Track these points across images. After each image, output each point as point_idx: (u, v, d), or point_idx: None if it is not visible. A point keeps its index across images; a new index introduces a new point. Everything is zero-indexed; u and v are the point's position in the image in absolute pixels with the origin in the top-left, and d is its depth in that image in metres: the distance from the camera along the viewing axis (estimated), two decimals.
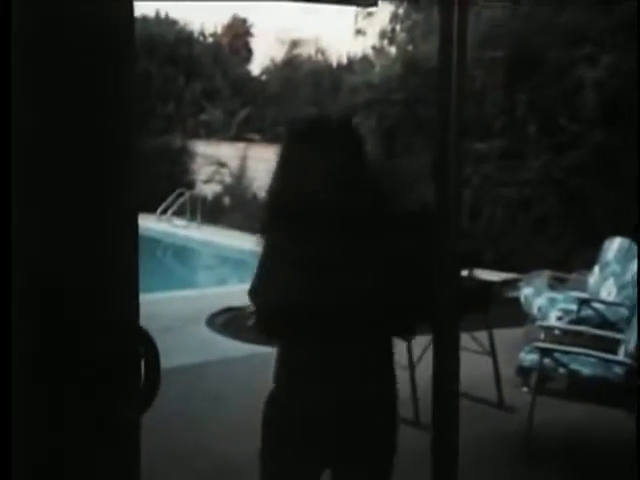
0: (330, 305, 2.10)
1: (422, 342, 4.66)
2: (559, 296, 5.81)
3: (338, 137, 2.19)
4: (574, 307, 5.44)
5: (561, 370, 4.65)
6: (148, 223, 12.52)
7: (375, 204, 2.19)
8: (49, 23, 1.36)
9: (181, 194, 15.28)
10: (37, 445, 1.41)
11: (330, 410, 2.15)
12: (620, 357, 4.49)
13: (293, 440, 2.20)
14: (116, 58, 1.45)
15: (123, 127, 1.49)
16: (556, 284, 6.04)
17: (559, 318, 5.48)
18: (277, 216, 2.20)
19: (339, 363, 2.16)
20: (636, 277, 5.11)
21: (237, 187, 15.60)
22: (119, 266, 1.52)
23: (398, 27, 12.10)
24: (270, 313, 2.19)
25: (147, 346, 1.61)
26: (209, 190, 16.26)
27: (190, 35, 19.43)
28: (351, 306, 2.12)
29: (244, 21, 24.62)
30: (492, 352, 5.18)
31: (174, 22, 19.33)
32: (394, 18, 12.20)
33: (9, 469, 1.32)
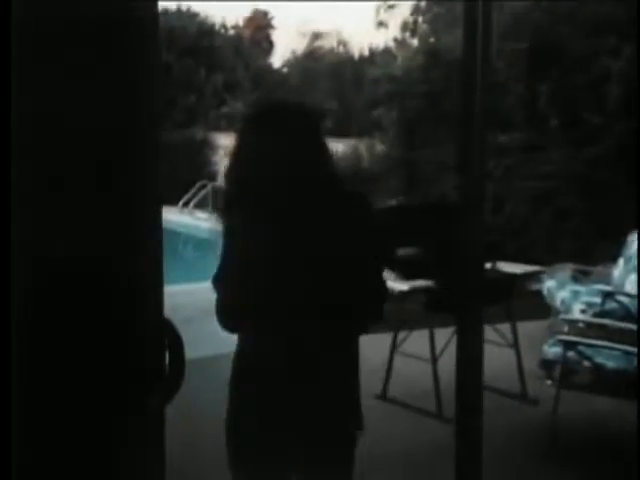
0: (290, 296, 2.05)
1: (445, 335, 4.66)
2: (582, 289, 5.76)
3: (291, 122, 2.14)
4: (598, 300, 5.40)
5: (585, 363, 4.61)
6: (170, 215, 12.55)
7: (330, 190, 2.12)
8: (74, 17, 1.37)
9: (203, 186, 15.31)
10: (61, 437, 1.42)
11: (293, 405, 2.10)
12: None
13: (258, 441, 2.15)
14: (141, 51, 1.45)
15: (147, 120, 1.49)
16: (579, 277, 5.99)
17: (583, 311, 5.43)
18: (234, 202, 2.16)
19: (301, 357, 2.09)
20: None
21: None
22: (144, 258, 1.52)
23: (420, 19, 12.05)
24: (230, 304, 2.13)
25: (172, 337, 1.61)
26: None
27: (211, 27, 19.46)
28: (311, 297, 2.05)
29: (265, 13, 24.62)
30: (515, 344, 5.15)
31: (195, 15, 19.37)
32: (416, 10, 12.15)
33: (9, 469, 1.33)
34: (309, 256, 2.05)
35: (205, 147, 17.28)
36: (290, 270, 2.05)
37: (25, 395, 1.39)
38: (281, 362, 2.10)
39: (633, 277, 5.60)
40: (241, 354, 2.19)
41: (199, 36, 18.54)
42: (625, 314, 5.18)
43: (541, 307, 6.05)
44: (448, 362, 3.99)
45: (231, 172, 2.16)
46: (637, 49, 7.58)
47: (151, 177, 1.52)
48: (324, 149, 2.16)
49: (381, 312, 2.22)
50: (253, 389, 2.15)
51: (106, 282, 1.44)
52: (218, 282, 2.13)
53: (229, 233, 2.13)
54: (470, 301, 2.89)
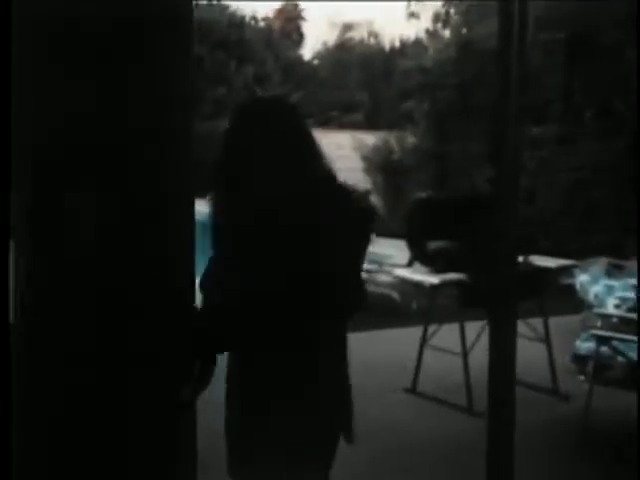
0: (273, 298, 1.95)
1: (475, 328, 4.63)
2: (616, 283, 5.69)
3: (272, 120, 2.06)
4: (632, 295, 5.33)
5: (618, 358, 4.56)
6: (198, 207, 12.58)
7: (315, 189, 2.04)
8: (112, 9, 1.36)
9: None
10: (97, 427, 1.42)
11: (278, 412, 2.03)
12: None
13: (246, 446, 2.09)
14: (177, 43, 1.45)
15: (181, 116, 1.49)
16: (613, 271, 5.91)
17: (617, 306, 5.37)
18: (221, 202, 2.08)
19: (287, 361, 2.02)
20: None
21: None
22: (177, 250, 1.52)
23: (452, 10, 11.94)
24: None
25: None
26: None
27: (242, 19, 19.46)
28: (295, 297, 1.96)
29: (296, 5, 24.58)
30: (546, 339, 5.11)
31: (226, 7, 19.38)
32: (448, 1, 12.04)
33: (9, 469, 1.33)
34: (293, 257, 1.96)
35: None
36: (272, 272, 1.96)
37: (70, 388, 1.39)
38: (265, 367, 2.04)
39: None
40: (231, 356, 2.13)
41: (229, 28, 18.55)
42: None
43: (573, 301, 5.99)
44: (478, 356, 3.96)
45: (217, 172, 2.10)
46: (637, 49, 7.47)
47: (185, 169, 1.52)
48: (309, 146, 2.09)
49: (358, 309, 2.14)
50: (239, 393, 2.10)
51: (141, 274, 1.44)
52: (203, 284, 2.05)
53: (215, 231, 2.08)
54: (504, 295, 2.87)
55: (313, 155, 2.09)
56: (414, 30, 15.89)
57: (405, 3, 12.48)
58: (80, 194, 1.36)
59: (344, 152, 13.18)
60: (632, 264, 6.19)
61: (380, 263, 8.44)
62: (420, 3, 12.32)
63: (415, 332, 5.19)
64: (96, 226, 1.38)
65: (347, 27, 20.00)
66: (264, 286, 1.95)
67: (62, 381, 1.39)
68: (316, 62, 20.02)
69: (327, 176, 2.11)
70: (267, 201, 1.99)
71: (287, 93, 17.88)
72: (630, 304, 5.26)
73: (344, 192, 2.13)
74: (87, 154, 1.37)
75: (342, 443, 2.19)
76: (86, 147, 1.37)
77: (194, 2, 1.54)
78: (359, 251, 2.12)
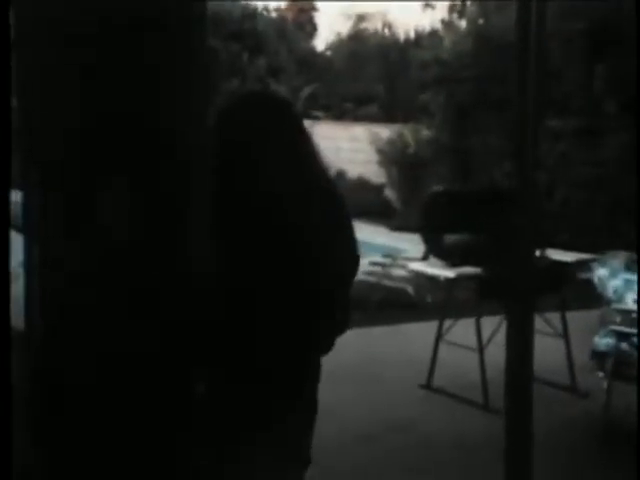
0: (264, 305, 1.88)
1: (491, 323, 4.58)
2: (636, 277, 5.60)
3: (262, 119, 1.94)
4: None
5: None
6: None
7: (309, 190, 1.94)
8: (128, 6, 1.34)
9: None
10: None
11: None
12: None
13: None
14: (189, 36, 1.42)
15: (198, 110, 1.46)
16: (633, 265, 5.83)
17: (636, 301, 5.29)
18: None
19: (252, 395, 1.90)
20: None
21: None
22: (200, 249, 1.50)
23: (468, 0, 11.84)
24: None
25: None
26: None
27: (254, 10, 19.39)
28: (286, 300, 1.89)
29: None
30: (565, 335, 5.05)
31: None
32: None
33: (9, 469, 1.34)
34: (290, 255, 1.89)
35: None
36: (269, 271, 1.88)
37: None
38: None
39: None
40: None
41: (242, 19, 18.49)
42: None
43: (592, 296, 5.92)
44: (495, 352, 3.91)
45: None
46: (637, 49, 7.38)
47: (203, 166, 1.51)
48: (304, 146, 2.00)
49: (344, 327, 2.02)
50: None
51: (159, 271, 1.44)
52: None
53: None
54: (521, 290, 2.83)
55: (309, 153, 2.01)
56: (429, 20, 15.78)
57: None
58: (107, 193, 1.36)
59: (359, 145, 13.14)
60: None
61: (394, 257, 8.41)
62: None
63: (430, 327, 5.15)
64: (122, 224, 1.38)
65: (361, 18, 19.84)
66: (261, 286, 1.87)
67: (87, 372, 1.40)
68: (329, 53, 19.91)
69: (324, 174, 2.04)
70: (263, 200, 1.91)
71: (300, 85, 17.84)
72: None
73: (334, 194, 2.06)
74: (110, 153, 1.37)
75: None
76: (107, 146, 1.37)
77: None
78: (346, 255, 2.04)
